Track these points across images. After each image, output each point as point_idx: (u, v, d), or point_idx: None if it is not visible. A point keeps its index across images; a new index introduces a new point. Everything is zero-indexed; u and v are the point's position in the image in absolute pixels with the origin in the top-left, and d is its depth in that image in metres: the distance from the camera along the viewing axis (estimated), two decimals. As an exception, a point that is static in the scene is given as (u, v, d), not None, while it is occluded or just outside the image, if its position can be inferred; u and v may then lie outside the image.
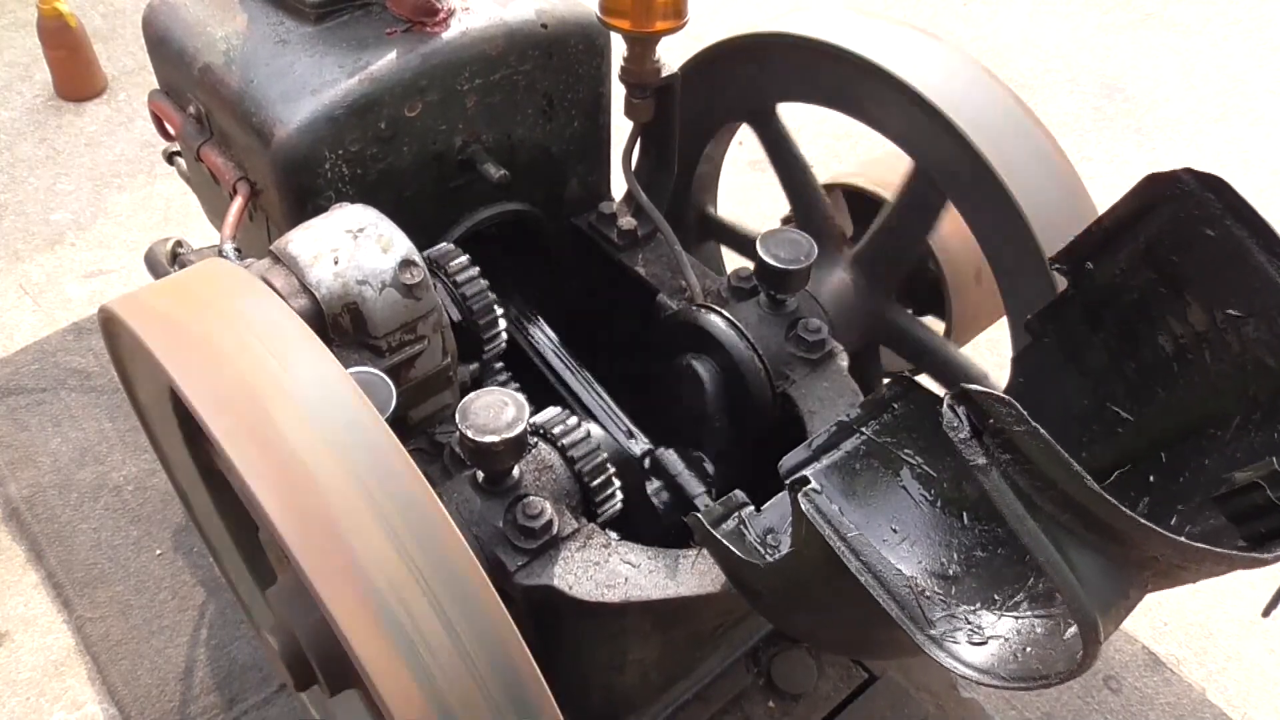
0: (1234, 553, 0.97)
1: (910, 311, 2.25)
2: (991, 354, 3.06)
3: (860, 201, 2.38)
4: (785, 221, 2.41)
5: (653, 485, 1.84)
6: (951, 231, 2.17)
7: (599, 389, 2.04)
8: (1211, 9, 5.01)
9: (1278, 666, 2.60)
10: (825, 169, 3.96)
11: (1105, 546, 0.95)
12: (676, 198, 2.30)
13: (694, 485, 1.81)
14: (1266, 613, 1.14)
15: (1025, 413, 0.92)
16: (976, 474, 0.94)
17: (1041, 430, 0.92)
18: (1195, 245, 1.22)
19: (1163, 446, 1.29)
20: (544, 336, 2.16)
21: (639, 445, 1.91)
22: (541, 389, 2.07)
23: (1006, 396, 0.93)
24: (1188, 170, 1.20)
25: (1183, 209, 1.22)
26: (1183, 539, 0.92)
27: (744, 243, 2.46)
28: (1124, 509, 0.91)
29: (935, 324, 2.34)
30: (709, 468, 1.87)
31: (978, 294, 2.28)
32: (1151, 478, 1.27)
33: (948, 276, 2.25)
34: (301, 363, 1.20)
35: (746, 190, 3.76)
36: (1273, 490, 0.99)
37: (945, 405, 0.97)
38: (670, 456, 1.85)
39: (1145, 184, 1.24)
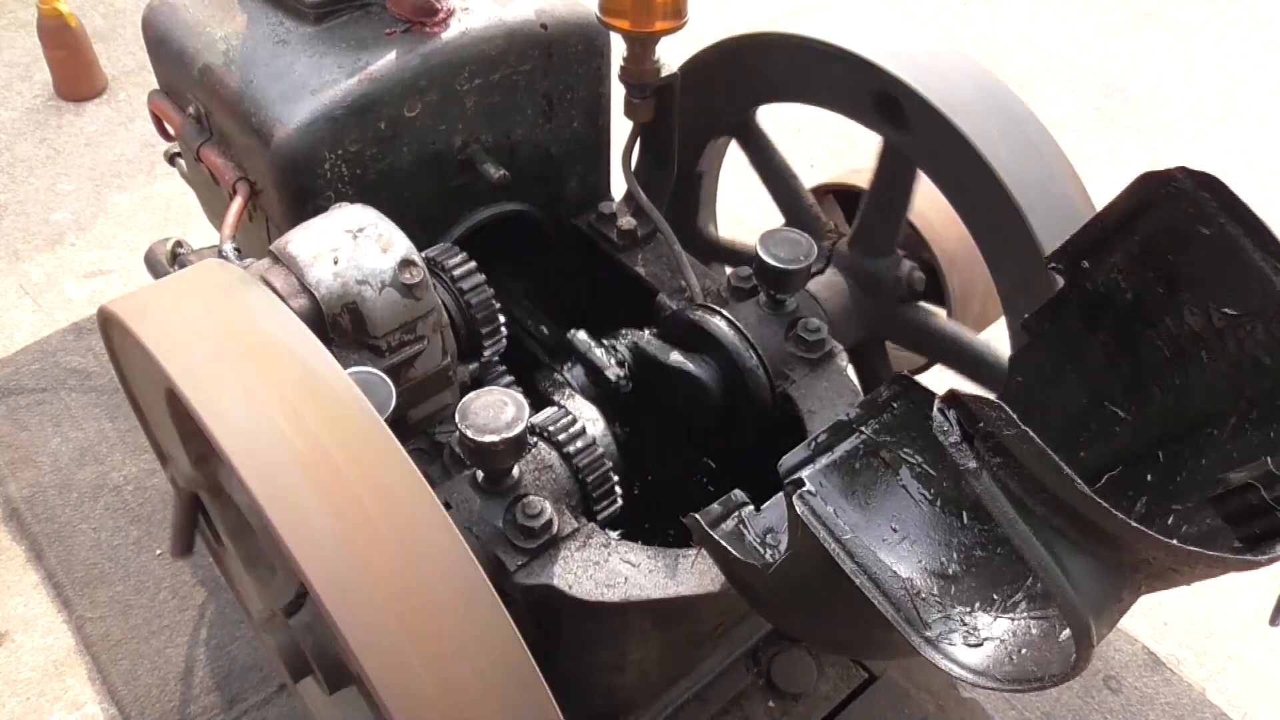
0: (1226, 555, 0.96)
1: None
2: (991, 354, 3.05)
3: (855, 201, 2.37)
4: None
5: (569, 366, 1.95)
6: (935, 207, 2.16)
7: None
8: (1211, 9, 5.00)
9: (1278, 666, 2.60)
10: (825, 169, 3.96)
11: (1097, 549, 0.95)
12: (678, 212, 2.30)
13: (605, 359, 1.93)
14: (1274, 621, 1.13)
15: (1014, 416, 0.92)
16: (968, 477, 0.94)
17: (1031, 433, 0.92)
18: (1191, 244, 1.22)
19: (1160, 446, 1.28)
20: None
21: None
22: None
23: (995, 400, 0.93)
24: (1182, 169, 1.19)
25: (1178, 208, 1.21)
26: (1174, 541, 0.92)
27: (746, 262, 2.46)
28: (1115, 511, 0.90)
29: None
30: (618, 369, 1.94)
31: (971, 271, 2.27)
32: (1149, 477, 1.27)
33: (936, 251, 2.24)
34: (300, 363, 1.20)
35: (746, 191, 3.75)
36: (1267, 491, 0.98)
37: (935, 409, 0.97)
38: (580, 337, 1.97)
39: (1140, 183, 1.24)
